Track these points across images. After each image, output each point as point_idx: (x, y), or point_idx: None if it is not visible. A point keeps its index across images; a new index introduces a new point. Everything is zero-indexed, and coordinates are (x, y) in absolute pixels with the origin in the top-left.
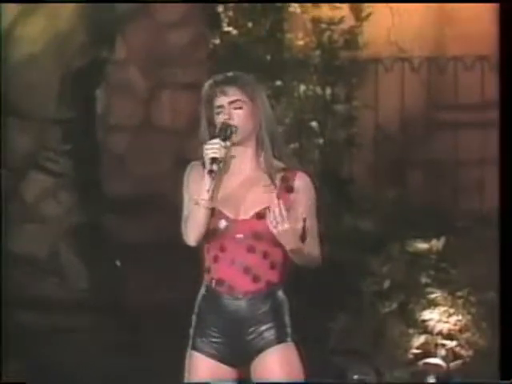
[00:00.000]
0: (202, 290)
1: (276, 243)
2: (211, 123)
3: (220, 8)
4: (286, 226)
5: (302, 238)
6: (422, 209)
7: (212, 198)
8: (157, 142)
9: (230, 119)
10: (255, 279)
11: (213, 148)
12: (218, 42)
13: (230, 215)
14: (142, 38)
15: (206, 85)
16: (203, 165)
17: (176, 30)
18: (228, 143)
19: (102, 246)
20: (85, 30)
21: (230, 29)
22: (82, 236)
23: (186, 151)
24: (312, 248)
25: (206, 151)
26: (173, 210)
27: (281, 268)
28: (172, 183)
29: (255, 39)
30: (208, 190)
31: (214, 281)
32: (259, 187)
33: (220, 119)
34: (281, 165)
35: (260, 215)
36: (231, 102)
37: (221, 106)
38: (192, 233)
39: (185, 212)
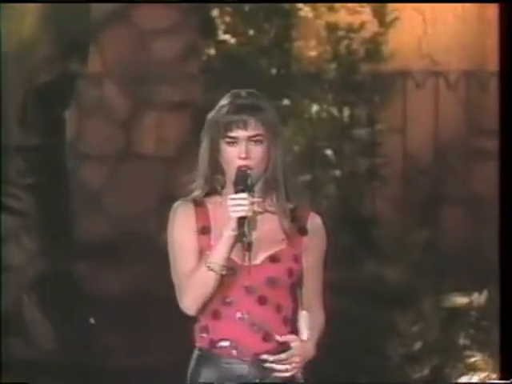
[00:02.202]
0: (195, 355)
1: (291, 293)
2: (214, 155)
3: (215, 12)
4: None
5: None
6: (460, 255)
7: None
8: (139, 173)
9: (247, 158)
10: (266, 338)
11: (241, 204)
12: (212, 52)
13: (237, 260)
14: (121, 47)
15: (221, 106)
16: (194, 202)
17: (162, 39)
18: (256, 198)
19: (72, 300)
20: (51, 37)
21: (228, 37)
22: (50, 287)
23: (173, 185)
24: (318, 318)
25: (231, 208)
26: (158, 256)
27: (292, 324)
28: (157, 224)
29: (257, 49)
30: (226, 258)
31: (214, 342)
32: (269, 227)
33: (232, 154)
34: (289, 205)
35: (274, 258)
36: (250, 137)
37: (235, 138)
38: (196, 302)
39: (178, 270)
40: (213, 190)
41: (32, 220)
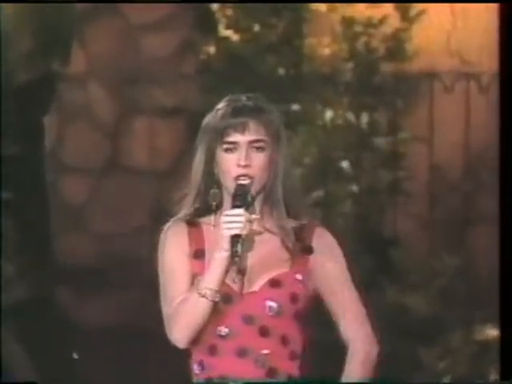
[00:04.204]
0: None
1: (299, 323)
2: (209, 166)
3: (215, 5)
4: None
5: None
6: (494, 282)
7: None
8: (128, 188)
9: (246, 166)
10: (271, 373)
11: (235, 221)
12: (212, 50)
13: (233, 287)
14: (108, 44)
15: (217, 110)
16: (187, 223)
17: (155, 35)
18: (253, 216)
19: (53, 330)
20: (30, 34)
21: (229, 33)
22: (27, 316)
23: (167, 201)
24: (360, 347)
25: (225, 225)
26: (149, 282)
27: (301, 359)
28: (148, 245)
29: (264, 47)
30: (219, 282)
31: (211, 380)
32: (269, 249)
33: (230, 162)
34: (291, 223)
35: (274, 283)
36: (251, 143)
37: (234, 143)
38: (186, 332)
39: (168, 297)
40: (206, 207)
41: (7, 240)
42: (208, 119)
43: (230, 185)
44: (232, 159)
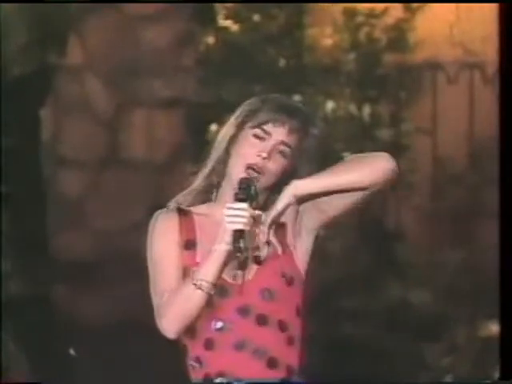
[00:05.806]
0: None
1: (293, 304)
2: (231, 142)
3: None
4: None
5: None
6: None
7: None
8: (126, 181)
9: (266, 158)
10: (271, 364)
11: (239, 216)
12: (211, 41)
13: (227, 278)
14: (106, 36)
15: (274, 99)
16: (179, 212)
17: (153, 27)
18: (257, 212)
19: (50, 328)
20: (27, 25)
21: (229, 23)
22: (23, 313)
23: (166, 195)
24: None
25: (228, 218)
26: (147, 277)
27: (299, 344)
28: (146, 239)
29: (264, 38)
30: (216, 275)
31: (210, 376)
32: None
33: (252, 148)
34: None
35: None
36: (282, 143)
37: (268, 134)
38: (177, 323)
39: (158, 288)
40: (209, 188)
41: (3, 236)
42: (258, 101)
43: (235, 170)
44: (256, 146)
